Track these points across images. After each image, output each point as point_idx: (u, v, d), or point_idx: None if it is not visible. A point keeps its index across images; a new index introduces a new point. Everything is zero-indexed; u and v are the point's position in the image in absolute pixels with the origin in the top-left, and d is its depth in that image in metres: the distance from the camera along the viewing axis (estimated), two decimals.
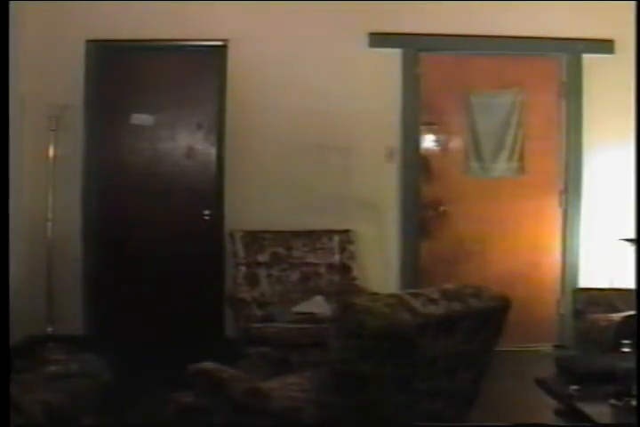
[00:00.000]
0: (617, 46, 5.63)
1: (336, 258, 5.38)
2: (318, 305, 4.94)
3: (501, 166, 5.76)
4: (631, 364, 3.05)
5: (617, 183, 5.63)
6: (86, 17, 5.47)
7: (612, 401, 3.01)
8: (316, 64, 5.59)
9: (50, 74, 5.47)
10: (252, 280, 5.23)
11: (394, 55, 5.62)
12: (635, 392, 2.97)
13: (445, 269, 5.62)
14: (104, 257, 5.69)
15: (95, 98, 5.59)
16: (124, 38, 5.53)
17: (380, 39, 5.58)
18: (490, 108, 5.75)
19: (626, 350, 3.17)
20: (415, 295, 2.96)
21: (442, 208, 5.75)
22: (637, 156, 5.18)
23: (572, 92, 5.71)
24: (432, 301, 2.93)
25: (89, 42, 5.51)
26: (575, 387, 3.17)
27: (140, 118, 5.61)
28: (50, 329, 5.19)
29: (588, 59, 5.69)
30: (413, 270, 5.66)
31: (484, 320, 3.05)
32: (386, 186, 5.65)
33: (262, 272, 5.28)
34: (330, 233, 5.43)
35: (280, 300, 5.16)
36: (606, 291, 4.96)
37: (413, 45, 5.63)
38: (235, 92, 5.56)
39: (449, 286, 3.14)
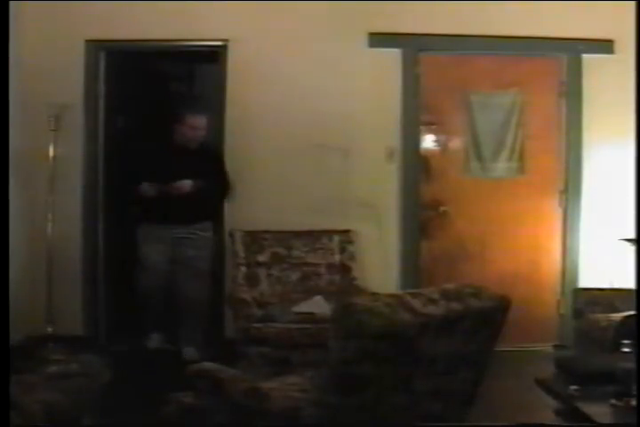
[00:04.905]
0: (617, 46, 5.62)
1: (336, 258, 5.38)
2: (318, 305, 4.94)
3: (501, 166, 5.76)
4: (631, 364, 3.04)
5: (617, 183, 5.63)
6: (86, 17, 5.47)
7: (612, 401, 3.02)
8: (316, 64, 5.59)
9: (50, 74, 5.46)
10: (252, 280, 5.23)
11: (394, 55, 5.62)
12: (635, 392, 2.97)
13: (445, 269, 5.62)
14: (104, 257, 5.69)
15: (95, 98, 5.60)
16: (123, 38, 5.53)
17: (379, 39, 5.57)
18: (490, 108, 5.74)
19: (626, 350, 3.17)
20: (415, 295, 2.96)
21: (442, 208, 5.75)
22: (637, 156, 5.19)
23: (572, 92, 5.71)
24: (432, 301, 2.93)
25: (89, 42, 5.52)
26: (575, 387, 3.17)
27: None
28: (50, 329, 5.19)
29: (588, 59, 5.68)
30: (413, 270, 5.66)
31: (483, 320, 3.05)
32: (386, 186, 5.65)
33: (262, 272, 5.28)
34: (330, 233, 5.42)
35: (280, 300, 5.16)
36: (606, 291, 4.96)
37: (413, 45, 5.63)
38: (234, 93, 5.56)
39: (449, 285, 3.13)
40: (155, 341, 5.40)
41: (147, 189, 5.13)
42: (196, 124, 5.31)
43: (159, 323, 5.43)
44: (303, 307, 4.98)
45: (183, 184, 5.18)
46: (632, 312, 4.14)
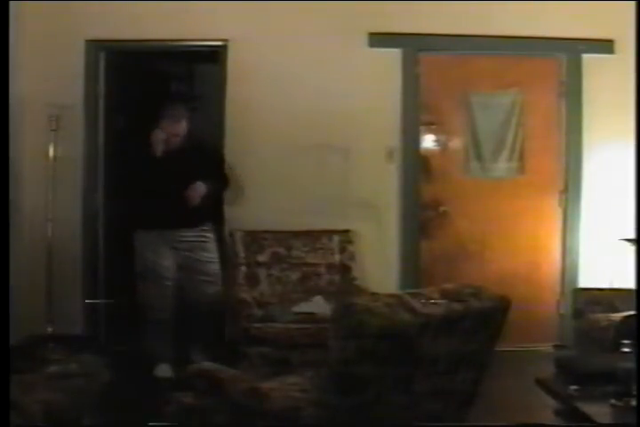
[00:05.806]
0: (617, 46, 5.62)
1: (336, 258, 5.38)
2: (318, 305, 4.94)
3: (501, 166, 5.77)
4: (631, 364, 3.05)
5: (617, 183, 5.63)
6: (86, 17, 5.47)
7: (612, 401, 3.02)
8: (316, 64, 5.58)
9: (50, 74, 5.46)
10: (252, 280, 5.23)
11: (394, 55, 5.62)
12: (635, 392, 2.97)
13: (445, 269, 5.62)
14: (104, 257, 5.69)
15: (95, 98, 5.60)
16: (123, 38, 5.53)
17: (379, 39, 5.57)
18: (489, 108, 5.75)
19: (626, 350, 3.17)
20: (415, 295, 2.96)
21: (442, 208, 5.75)
22: (637, 155, 5.19)
23: (572, 92, 5.71)
24: (432, 301, 2.93)
25: (89, 42, 5.52)
26: (575, 387, 3.17)
27: None
28: (50, 329, 5.18)
29: (588, 59, 5.68)
30: (413, 270, 5.66)
31: (483, 320, 3.05)
32: (386, 186, 5.65)
33: (262, 272, 5.28)
34: (330, 233, 5.43)
35: (280, 300, 5.16)
36: (606, 291, 4.96)
37: (413, 45, 5.63)
38: (234, 93, 5.56)
39: (449, 285, 3.14)
40: (164, 370, 4.92)
41: (158, 135, 4.85)
42: (169, 131, 4.94)
43: (167, 351, 5.01)
44: (303, 307, 4.98)
45: (197, 188, 4.90)
46: (632, 312, 4.14)
